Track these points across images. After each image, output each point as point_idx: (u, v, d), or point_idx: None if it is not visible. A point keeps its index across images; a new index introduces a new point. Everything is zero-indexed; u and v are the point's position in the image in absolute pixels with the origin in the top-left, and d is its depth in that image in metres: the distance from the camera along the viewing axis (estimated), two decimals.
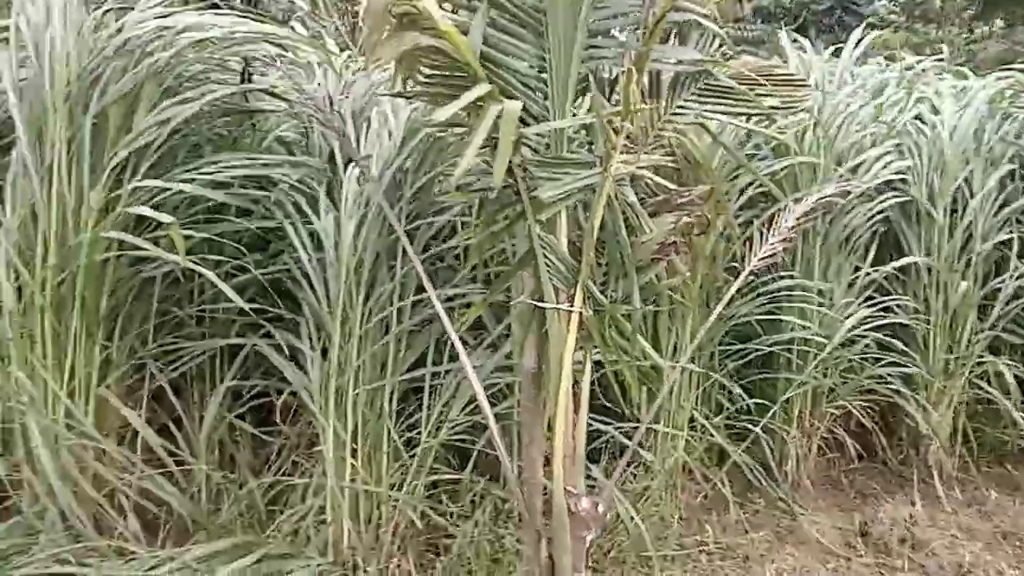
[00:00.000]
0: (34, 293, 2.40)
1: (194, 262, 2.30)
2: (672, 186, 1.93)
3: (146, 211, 2.15)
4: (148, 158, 2.31)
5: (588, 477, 2.31)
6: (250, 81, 2.68)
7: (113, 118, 2.30)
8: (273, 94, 2.73)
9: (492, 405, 2.28)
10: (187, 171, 2.40)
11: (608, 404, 2.90)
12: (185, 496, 2.68)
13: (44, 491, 2.49)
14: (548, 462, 2.33)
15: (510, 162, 1.83)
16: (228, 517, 2.74)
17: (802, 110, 2.30)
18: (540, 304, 1.99)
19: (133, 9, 2.44)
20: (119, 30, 2.34)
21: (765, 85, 1.89)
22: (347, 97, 2.61)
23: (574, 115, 1.95)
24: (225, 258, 2.68)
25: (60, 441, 2.48)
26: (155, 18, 2.36)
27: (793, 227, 2.59)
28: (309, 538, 2.60)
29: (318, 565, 2.48)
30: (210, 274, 2.29)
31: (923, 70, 4.04)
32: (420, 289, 2.62)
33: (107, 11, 2.46)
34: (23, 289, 2.45)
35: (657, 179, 1.90)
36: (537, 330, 2.12)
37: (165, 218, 2.10)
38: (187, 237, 2.63)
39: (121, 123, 2.30)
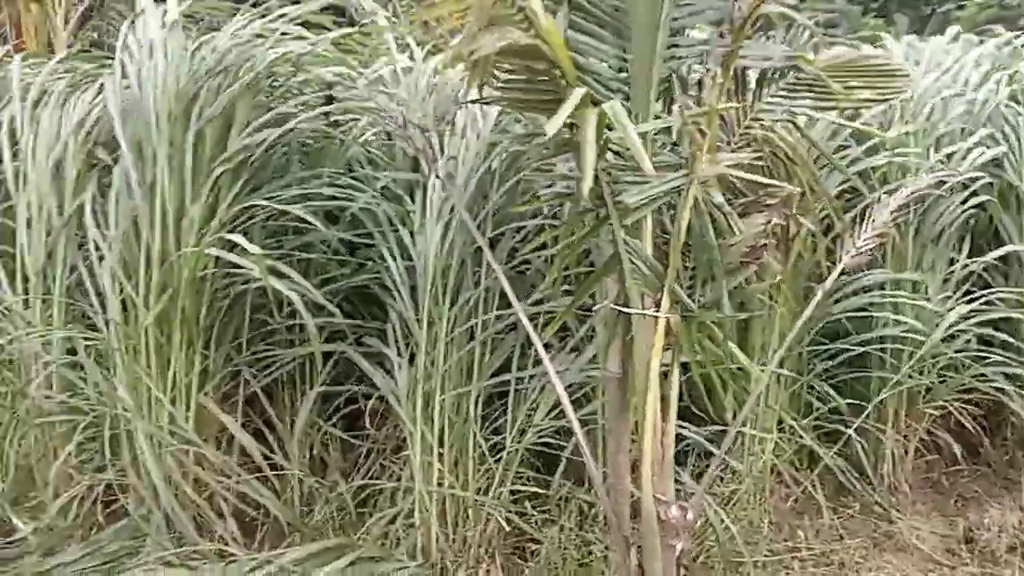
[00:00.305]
0: (137, 305, 2.52)
1: (279, 275, 2.38)
2: (764, 180, 1.87)
3: (239, 239, 2.22)
4: (243, 174, 2.39)
5: (675, 482, 2.28)
6: (332, 97, 2.75)
7: (210, 136, 2.40)
8: (355, 108, 2.79)
9: (576, 409, 2.27)
10: (278, 186, 2.48)
11: (692, 407, 2.84)
12: (279, 499, 2.76)
13: (149, 495, 2.61)
14: (635, 468, 2.30)
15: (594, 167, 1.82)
16: (320, 519, 2.81)
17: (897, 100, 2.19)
18: (625, 309, 1.97)
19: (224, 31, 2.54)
20: (213, 52, 2.44)
21: (858, 77, 1.82)
22: (429, 104, 2.64)
23: (657, 117, 1.91)
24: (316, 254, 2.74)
25: (163, 447, 2.59)
26: (246, 39, 2.45)
27: (887, 221, 2.49)
28: (399, 541, 2.64)
29: (408, 568, 2.52)
30: (294, 296, 2.36)
31: (1021, 46, 3.81)
32: (504, 293, 2.64)
33: (203, 36, 2.57)
34: (126, 301, 2.58)
35: (747, 176, 1.85)
36: (622, 335, 2.10)
37: (254, 249, 2.17)
38: (277, 247, 2.72)
39: (217, 140, 2.40)
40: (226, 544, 2.62)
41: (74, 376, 2.74)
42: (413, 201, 2.66)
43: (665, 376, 2.03)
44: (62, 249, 2.76)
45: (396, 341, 2.66)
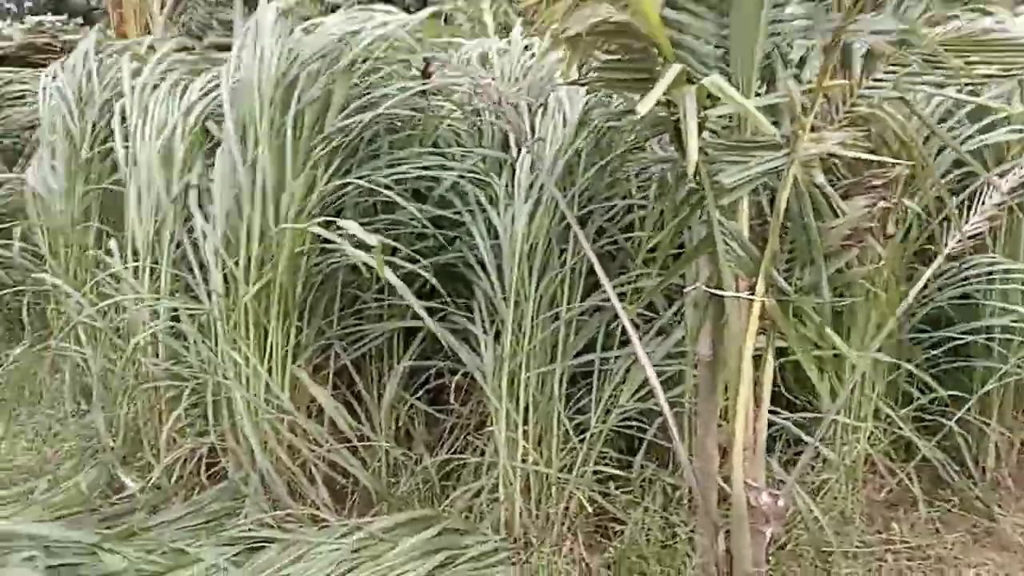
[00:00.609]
0: (237, 279, 2.63)
1: (383, 258, 2.42)
2: (870, 160, 1.79)
3: (356, 228, 2.27)
4: (338, 155, 2.45)
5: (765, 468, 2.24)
6: (427, 77, 2.78)
7: (308, 118, 2.48)
8: (445, 91, 2.81)
9: (663, 392, 2.25)
10: (370, 167, 2.53)
11: (784, 392, 2.78)
12: (367, 470, 2.85)
13: (247, 459, 2.73)
14: (724, 453, 2.27)
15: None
16: (406, 490, 2.88)
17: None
18: (718, 292, 1.93)
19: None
20: (313, 38, 2.51)
21: (980, 51, 1.71)
22: (524, 84, 2.64)
23: (758, 95, 1.85)
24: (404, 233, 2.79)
25: (260, 414, 2.70)
26: (342, 25, 2.50)
27: (999, 204, 2.36)
28: (482, 515, 2.69)
29: (492, 542, 2.56)
30: (391, 276, 2.40)
31: None
32: (591, 273, 2.63)
33: (306, 23, 2.65)
34: (227, 275, 2.69)
35: (851, 156, 1.77)
36: (714, 318, 2.06)
37: (372, 240, 2.22)
38: (367, 224, 2.77)
39: (314, 122, 2.47)
40: (317, 509, 2.73)
41: (178, 345, 2.89)
42: (500, 180, 2.67)
43: (758, 360, 1.99)
44: (169, 225, 2.90)
45: (482, 319, 2.68)
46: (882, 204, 1.78)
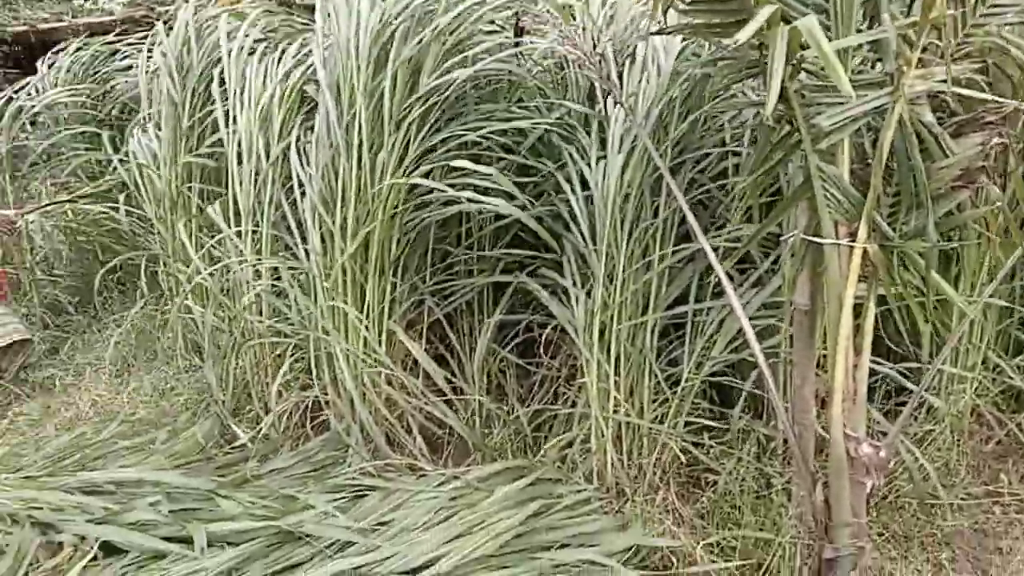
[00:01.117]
0: (335, 237, 2.71)
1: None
2: (983, 96, 1.69)
3: (466, 164, 2.31)
4: (433, 112, 2.48)
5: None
6: (521, 34, 2.76)
7: (401, 77, 2.50)
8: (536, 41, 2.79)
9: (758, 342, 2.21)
10: (459, 125, 2.54)
11: (885, 340, 2.69)
12: (461, 421, 2.93)
13: (347, 411, 2.85)
14: (822, 403, 2.23)
15: (785, 88, 1.72)
16: (498, 441, 2.95)
17: None
18: (817, 240, 1.88)
19: None
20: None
21: None
22: (607, 35, 2.59)
23: (859, 31, 1.77)
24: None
25: (359, 368, 2.81)
26: None
27: None
28: (575, 465, 2.73)
29: (586, 491, 2.60)
30: (510, 208, 2.39)
31: None
32: (682, 223, 2.59)
33: None
34: (324, 234, 2.78)
35: (963, 92, 1.67)
36: (812, 266, 2.01)
37: (486, 169, 2.24)
38: (452, 183, 2.80)
39: (407, 82, 2.49)
40: (415, 459, 2.83)
41: (280, 303, 3.02)
42: (588, 134, 2.64)
43: (858, 308, 1.93)
44: (268, 187, 3.01)
45: (572, 272, 2.69)
46: (997, 141, 1.68)
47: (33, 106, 4.61)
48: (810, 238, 1.89)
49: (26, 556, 2.33)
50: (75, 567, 2.26)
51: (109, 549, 2.36)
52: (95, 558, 2.32)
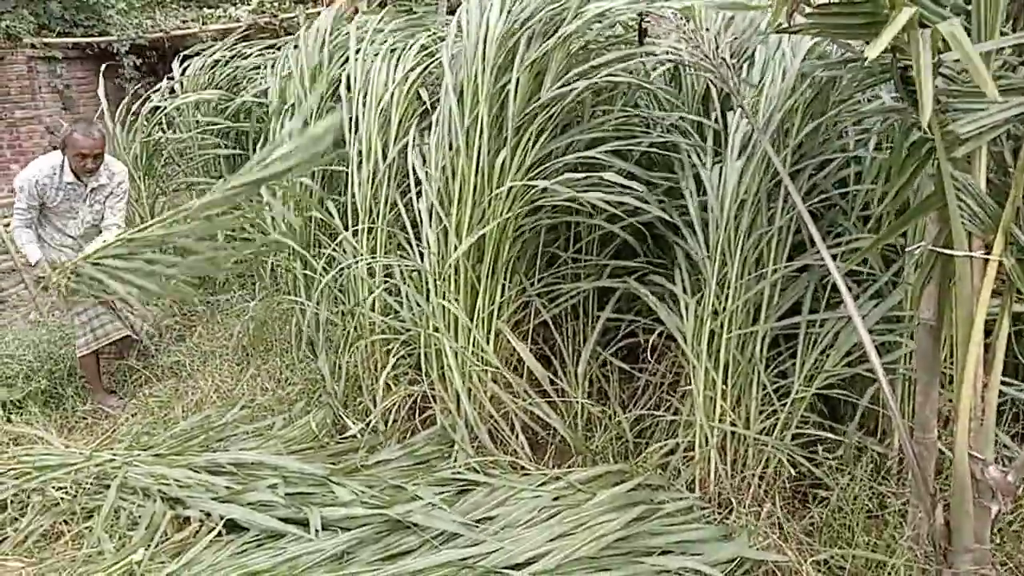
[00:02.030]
0: (449, 237, 2.79)
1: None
2: None
3: (618, 179, 2.31)
4: (555, 119, 2.51)
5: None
6: (644, 35, 2.77)
7: (524, 83, 2.56)
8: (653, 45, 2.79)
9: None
10: (577, 131, 2.57)
11: (1015, 358, 2.55)
12: (563, 422, 2.95)
13: (454, 407, 2.93)
14: (946, 423, 2.14)
15: (918, 94, 1.67)
16: (600, 445, 2.96)
17: None
18: (948, 252, 1.81)
19: None
20: (531, 8, 2.57)
21: None
22: (725, 38, 2.56)
23: (1003, 34, 1.69)
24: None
25: (467, 366, 2.88)
26: None
27: None
28: (678, 472, 2.71)
29: (688, 500, 2.58)
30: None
31: None
32: (796, 232, 2.54)
33: None
34: (438, 234, 2.86)
35: None
36: (940, 280, 1.94)
37: (637, 186, 2.27)
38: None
39: (528, 88, 2.54)
40: (517, 457, 2.88)
41: (392, 300, 3.13)
42: (703, 139, 2.62)
43: (989, 325, 1.85)
44: (384, 187, 3.12)
45: (682, 279, 2.68)
46: None
47: (166, 107, 4.93)
48: (940, 250, 1.82)
49: (158, 529, 2.51)
50: (202, 541, 2.42)
51: (231, 526, 2.51)
52: (220, 534, 2.47)
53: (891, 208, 2.20)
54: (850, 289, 2.43)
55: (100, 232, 3.62)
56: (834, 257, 2.41)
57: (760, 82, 2.46)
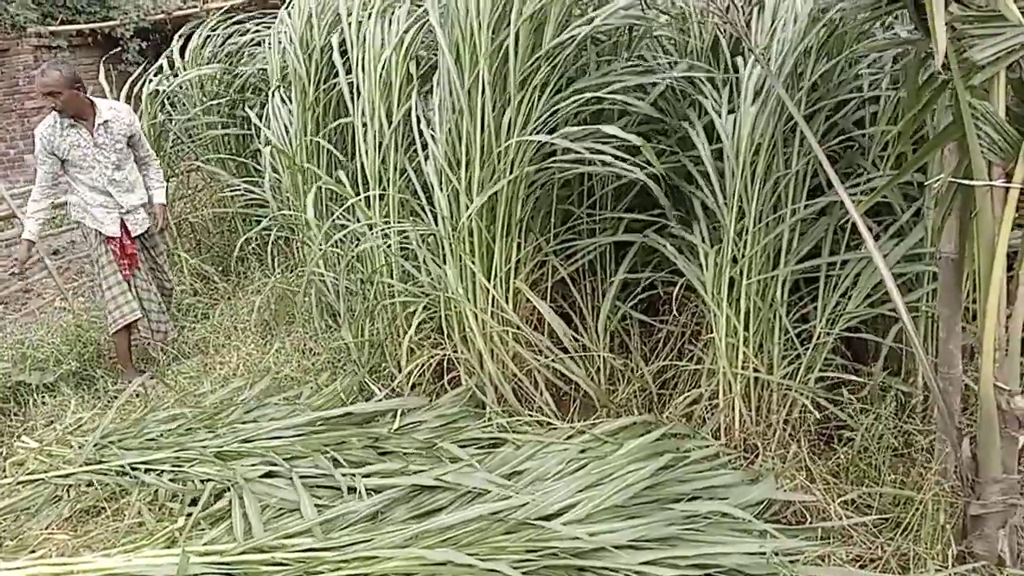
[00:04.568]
0: (460, 199, 2.79)
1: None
2: None
3: (616, 131, 2.30)
4: (556, 71, 2.48)
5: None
6: None
7: (523, 36, 2.52)
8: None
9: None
10: (583, 83, 2.53)
11: None
12: (587, 377, 2.97)
13: (477, 368, 2.95)
14: (970, 357, 2.14)
15: (931, 22, 1.64)
16: (624, 397, 2.98)
17: None
18: (968, 182, 1.79)
19: None
20: None
21: None
22: None
23: None
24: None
25: (488, 326, 2.89)
26: None
27: None
28: (703, 420, 2.73)
29: (713, 447, 2.60)
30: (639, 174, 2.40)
31: None
32: (814, 175, 2.52)
33: None
34: (450, 197, 2.86)
35: None
36: (960, 212, 1.92)
37: (635, 139, 2.24)
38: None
39: (528, 41, 2.50)
40: (542, 414, 2.91)
41: (409, 265, 3.14)
42: (715, 87, 2.59)
43: (1011, 255, 1.84)
44: (392, 153, 3.12)
45: (700, 229, 2.66)
46: None
47: (166, 89, 4.92)
48: (960, 180, 1.81)
49: (197, 500, 2.57)
50: (235, 506, 2.48)
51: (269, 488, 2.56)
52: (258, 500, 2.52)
53: (908, 143, 2.17)
54: (870, 229, 2.42)
55: (131, 185, 3.67)
56: (853, 197, 2.39)
57: (772, 25, 2.41)
